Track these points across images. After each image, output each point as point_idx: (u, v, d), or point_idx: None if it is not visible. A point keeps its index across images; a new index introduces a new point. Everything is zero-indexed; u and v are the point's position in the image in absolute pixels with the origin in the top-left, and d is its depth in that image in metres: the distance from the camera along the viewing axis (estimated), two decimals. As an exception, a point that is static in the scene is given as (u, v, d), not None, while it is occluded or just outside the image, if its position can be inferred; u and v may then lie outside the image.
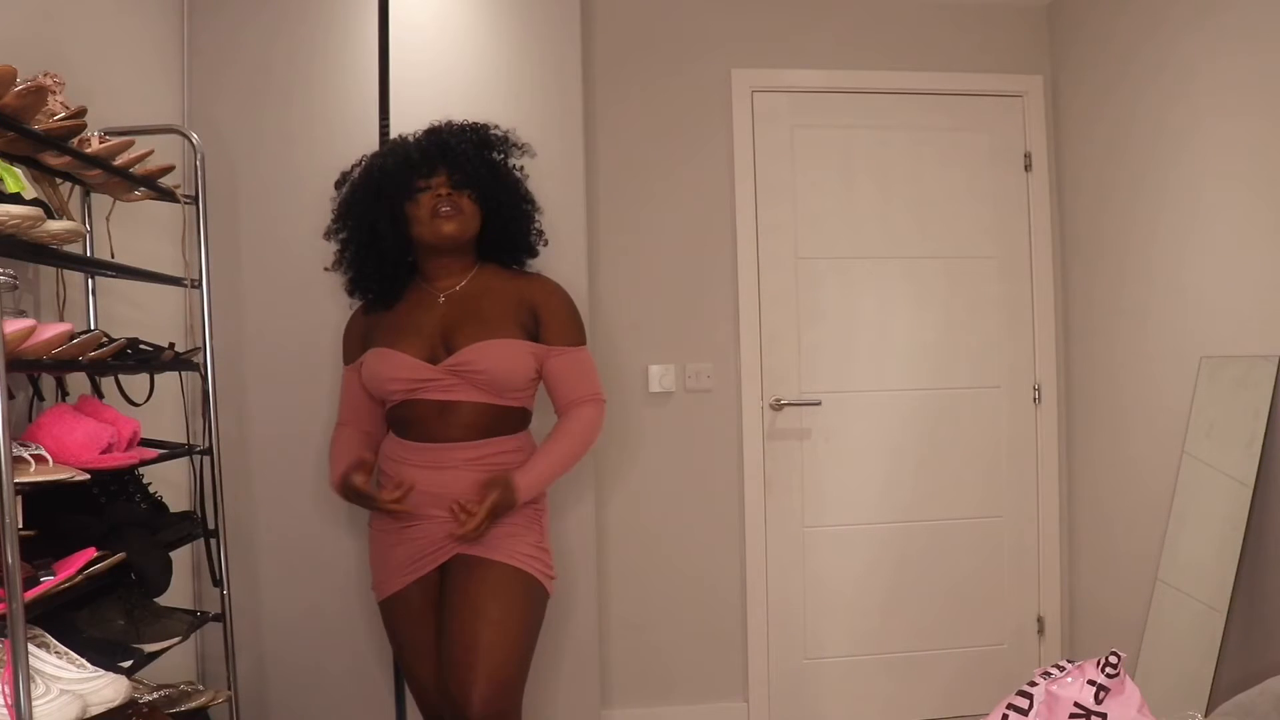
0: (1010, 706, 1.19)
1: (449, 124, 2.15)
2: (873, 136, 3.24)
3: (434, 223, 2.04)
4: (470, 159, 2.07)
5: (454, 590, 1.99)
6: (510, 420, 2.09)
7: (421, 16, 2.60)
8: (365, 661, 2.54)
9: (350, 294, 2.24)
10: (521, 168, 2.21)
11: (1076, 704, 1.15)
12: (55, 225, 1.50)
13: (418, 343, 2.04)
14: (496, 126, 2.18)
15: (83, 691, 1.39)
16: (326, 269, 2.26)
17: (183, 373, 2.18)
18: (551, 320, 2.10)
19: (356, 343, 2.20)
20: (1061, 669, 1.20)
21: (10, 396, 1.33)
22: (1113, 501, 3.05)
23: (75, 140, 1.68)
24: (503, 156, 2.17)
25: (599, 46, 3.08)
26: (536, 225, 2.23)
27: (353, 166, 2.18)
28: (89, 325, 1.96)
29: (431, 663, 2.06)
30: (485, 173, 2.09)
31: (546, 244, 2.26)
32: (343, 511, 2.52)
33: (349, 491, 2.05)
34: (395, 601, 2.09)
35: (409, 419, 2.07)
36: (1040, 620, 3.28)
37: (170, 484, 2.18)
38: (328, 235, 2.21)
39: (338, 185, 2.19)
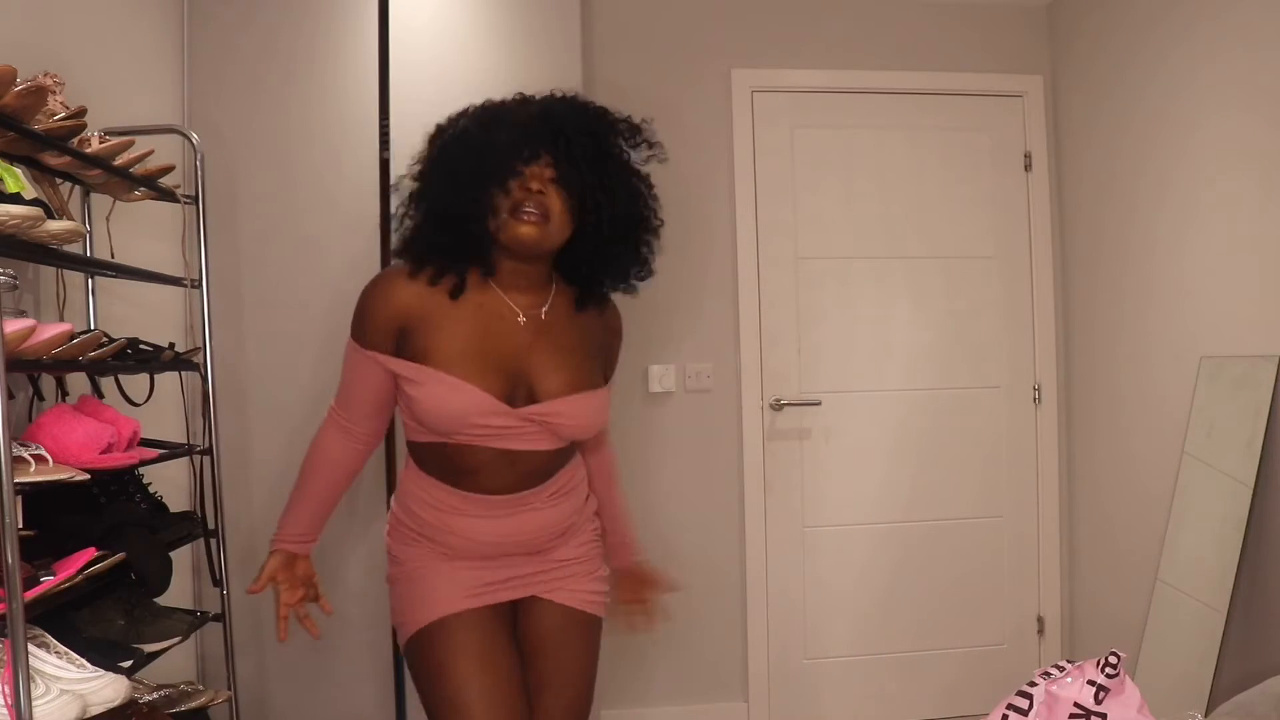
0: (1010, 706, 1.19)
1: (572, 99, 1.76)
2: (873, 136, 3.24)
3: (512, 221, 1.65)
4: (586, 151, 1.68)
5: (540, 636, 1.80)
6: (568, 452, 1.81)
7: (421, 16, 2.59)
8: (365, 662, 2.54)
9: (399, 254, 1.76)
10: (648, 175, 1.81)
11: (1076, 704, 1.15)
12: (55, 225, 1.49)
13: (495, 378, 1.64)
14: (626, 115, 1.82)
15: (83, 691, 1.39)
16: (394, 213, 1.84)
17: (183, 373, 2.18)
18: (613, 359, 1.91)
19: (389, 322, 1.67)
20: (1061, 669, 1.19)
21: (10, 396, 1.33)
22: (1113, 501, 3.05)
23: (75, 140, 1.68)
24: (626, 155, 1.78)
25: (599, 46, 3.07)
26: (645, 251, 1.83)
27: (459, 114, 1.76)
28: (89, 325, 1.96)
29: (497, 696, 1.64)
30: (594, 176, 1.69)
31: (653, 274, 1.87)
32: (343, 511, 2.51)
33: (276, 569, 1.77)
34: (455, 622, 1.67)
35: (465, 467, 1.67)
36: (1040, 620, 3.28)
37: (170, 484, 2.18)
38: (404, 181, 1.78)
39: (432, 140, 1.76)
